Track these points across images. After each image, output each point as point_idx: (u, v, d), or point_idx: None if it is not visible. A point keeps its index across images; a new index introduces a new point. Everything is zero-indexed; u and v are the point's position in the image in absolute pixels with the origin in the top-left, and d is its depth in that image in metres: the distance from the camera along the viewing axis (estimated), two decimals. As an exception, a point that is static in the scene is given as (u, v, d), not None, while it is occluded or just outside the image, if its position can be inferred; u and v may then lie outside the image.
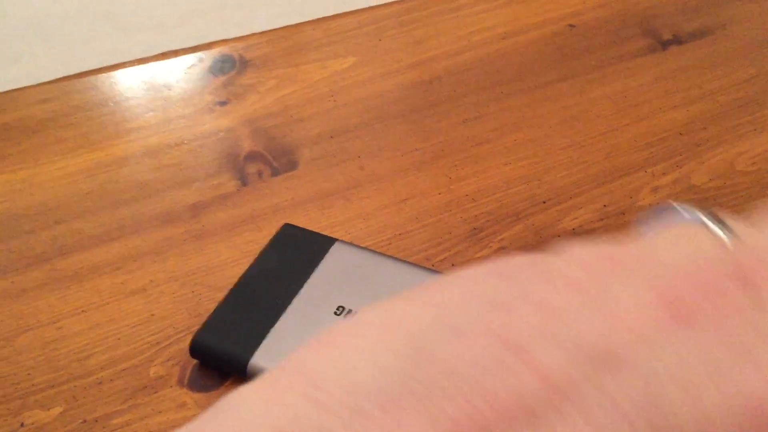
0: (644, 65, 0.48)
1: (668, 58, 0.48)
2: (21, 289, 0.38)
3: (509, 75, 0.48)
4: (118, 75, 0.51)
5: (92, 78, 0.51)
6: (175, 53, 0.52)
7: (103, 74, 0.51)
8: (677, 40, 0.49)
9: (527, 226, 0.39)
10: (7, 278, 0.39)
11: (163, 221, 0.41)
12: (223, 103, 0.48)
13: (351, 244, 0.37)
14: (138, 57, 0.52)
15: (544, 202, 0.40)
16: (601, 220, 0.39)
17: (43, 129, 0.47)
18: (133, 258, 0.39)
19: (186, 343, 0.34)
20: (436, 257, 0.38)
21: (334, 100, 0.48)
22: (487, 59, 0.49)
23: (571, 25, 0.51)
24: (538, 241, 0.38)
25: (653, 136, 0.43)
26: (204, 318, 0.35)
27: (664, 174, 0.41)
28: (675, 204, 0.18)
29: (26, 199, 0.43)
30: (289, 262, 0.36)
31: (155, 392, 0.33)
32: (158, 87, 0.50)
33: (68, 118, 0.48)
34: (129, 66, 0.52)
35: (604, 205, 0.40)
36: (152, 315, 0.36)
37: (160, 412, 0.33)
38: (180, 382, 0.34)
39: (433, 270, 0.36)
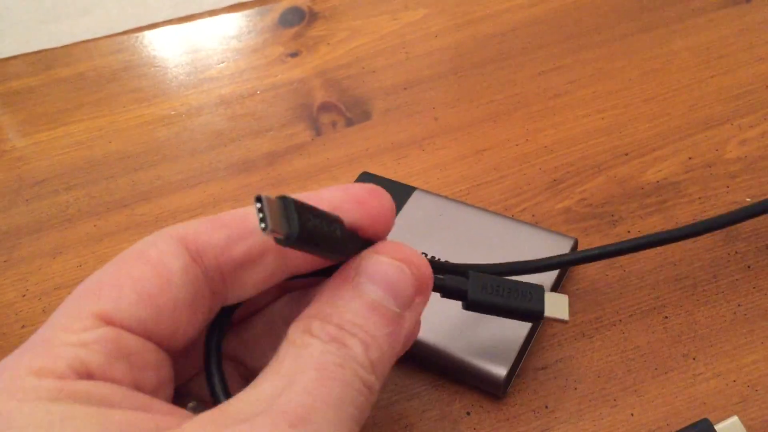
0: (727, 17, 0.46)
1: (752, 10, 0.46)
2: (103, 233, 0.39)
3: (585, 27, 0.47)
4: (189, 27, 0.51)
5: (163, 29, 0.51)
6: (245, 5, 0.52)
7: (174, 26, 0.51)
8: (762, -8, 0.47)
9: (609, 178, 0.38)
10: (90, 222, 0.39)
11: (239, 169, 0.41)
12: (294, 55, 0.48)
13: (431, 192, 0.37)
14: (208, 9, 0.52)
15: (626, 154, 0.39)
16: (687, 172, 0.38)
17: (118, 79, 0.48)
18: (211, 204, 0.39)
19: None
20: (516, 207, 0.37)
21: (406, 52, 0.47)
22: (562, 11, 0.48)
23: (650, -23, 0.49)
24: (621, 193, 0.37)
25: (739, 88, 0.42)
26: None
27: (751, 127, 0.40)
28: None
29: (104, 146, 0.43)
30: (369, 209, 0.36)
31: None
32: (229, 39, 0.50)
33: (141, 68, 0.48)
34: (199, 18, 0.52)
35: (689, 158, 0.39)
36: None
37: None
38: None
39: (515, 219, 0.35)
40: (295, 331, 0.20)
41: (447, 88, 0.44)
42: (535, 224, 0.36)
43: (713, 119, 0.40)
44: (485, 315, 0.31)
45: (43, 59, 0.50)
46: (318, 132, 0.43)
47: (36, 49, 0.50)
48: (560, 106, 0.42)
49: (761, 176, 0.37)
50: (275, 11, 0.51)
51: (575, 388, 0.31)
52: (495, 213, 0.36)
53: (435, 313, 0.31)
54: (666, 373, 0.31)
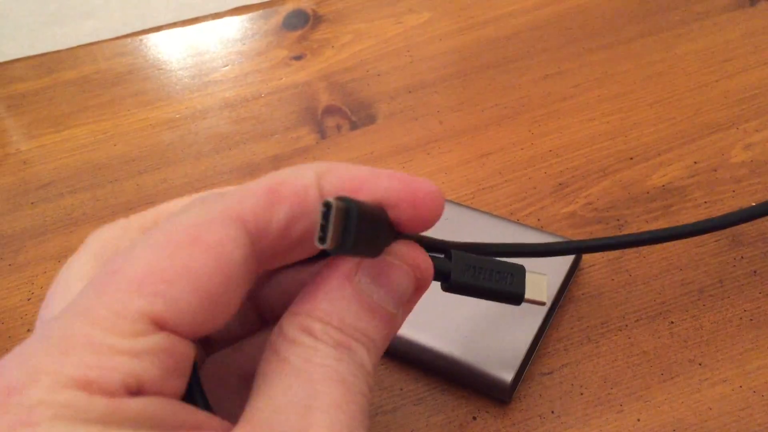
0: (732, 21, 0.46)
1: (757, 13, 0.46)
2: (108, 236, 0.39)
3: (590, 31, 0.47)
4: (193, 30, 0.51)
5: (167, 32, 0.51)
6: (249, 8, 0.52)
7: (178, 29, 0.51)
8: (766, -4, 0.47)
9: (615, 182, 0.38)
10: (95, 225, 0.39)
11: (244, 172, 0.41)
12: (298, 58, 0.48)
13: (436, 196, 0.37)
14: (212, 12, 0.52)
15: (632, 158, 0.39)
16: (692, 176, 0.38)
17: (122, 82, 0.48)
18: (216, 208, 0.39)
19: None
20: (522, 211, 0.37)
21: (411, 56, 0.47)
22: (566, 15, 0.48)
23: (654, -19, 0.49)
24: (626, 197, 0.37)
25: (744, 92, 0.42)
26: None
27: (756, 131, 0.40)
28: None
29: (109, 149, 0.43)
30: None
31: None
32: (233, 42, 0.50)
33: (145, 71, 0.48)
34: (203, 21, 0.52)
35: (695, 162, 0.39)
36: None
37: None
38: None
39: (520, 223, 0.35)
40: (291, 328, 0.18)
41: (451, 92, 0.44)
42: (540, 229, 0.36)
43: (718, 123, 0.40)
44: (490, 317, 0.31)
45: (47, 62, 0.50)
46: (323, 135, 0.43)
47: (40, 52, 0.51)
48: (565, 110, 0.42)
49: (767, 180, 0.37)
50: (279, 14, 0.51)
51: (581, 394, 0.31)
52: (500, 217, 0.36)
53: (440, 318, 0.31)
54: (672, 378, 0.31)
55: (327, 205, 0.17)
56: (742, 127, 0.40)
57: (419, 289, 0.21)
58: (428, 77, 0.46)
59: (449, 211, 0.36)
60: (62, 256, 0.38)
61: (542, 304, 0.27)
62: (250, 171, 0.41)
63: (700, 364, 0.31)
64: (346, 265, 0.19)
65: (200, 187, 0.40)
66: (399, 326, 0.21)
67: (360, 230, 0.17)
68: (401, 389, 0.32)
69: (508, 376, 0.30)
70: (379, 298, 0.19)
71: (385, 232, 0.20)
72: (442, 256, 0.24)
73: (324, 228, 0.17)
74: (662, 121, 0.41)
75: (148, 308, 0.16)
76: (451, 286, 0.24)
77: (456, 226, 0.35)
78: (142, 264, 0.16)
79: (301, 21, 0.51)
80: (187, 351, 0.17)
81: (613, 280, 0.34)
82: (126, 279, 0.16)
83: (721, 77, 0.43)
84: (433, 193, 0.20)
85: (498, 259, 0.25)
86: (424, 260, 0.21)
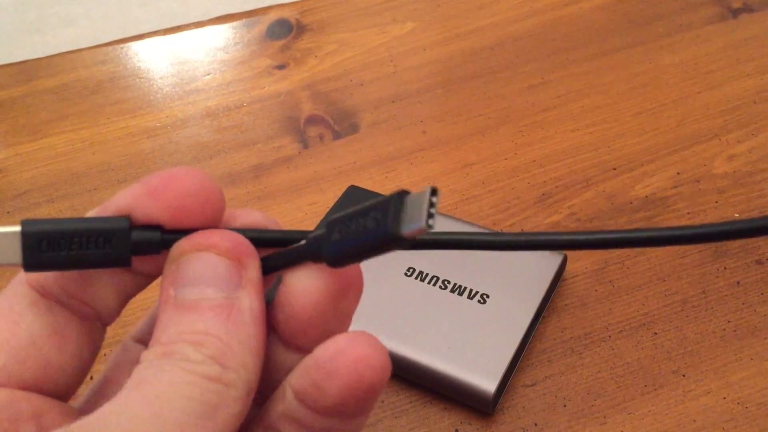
0: (714, 33, 0.46)
1: (739, 26, 0.47)
2: (85, 246, 0.38)
3: (574, 42, 0.47)
4: (175, 38, 0.51)
5: (149, 41, 0.51)
6: (232, 17, 0.52)
7: (160, 37, 0.51)
8: (748, 9, 0.48)
9: (598, 192, 0.38)
10: (71, 235, 0.39)
11: (225, 182, 0.41)
12: (281, 67, 0.48)
13: (419, 206, 0.36)
14: (195, 21, 0.52)
15: (615, 169, 0.39)
16: (675, 187, 0.38)
17: (102, 90, 0.47)
18: (196, 217, 0.39)
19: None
20: (505, 222, 0.37)
21: (395, 65, 0.47)
22: (550, 26, 0.48)
23: (637, -7, 0.50)
24: (610, 207, 0.37)
25: (726, 104, 0.42)
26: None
27: (739, 142, 0.40)
28: None
29: (88, 158, 0.43)
30: (356, 222, 0.35)
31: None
32: (215, 50, 0.49)
33: (126, 80, 0.48)
34: (186, 29, 0.51)
35: (678, 173, 0.38)
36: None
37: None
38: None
39: (503, 233, 0.35)
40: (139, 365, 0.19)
41: (435, 102, 0.44)
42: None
43: (701, 134, 0.40)
44: (473, 328, 0.31)
45: (26, 70, 0.49)
46: (305, 145, 0.43)
47: (19, 59, 0.50)
48: (549, 120, 0.42)
49: (749, 191, 0.37)
50: (263, 23, 0.51)
51: (564, 406, 0.30)
52: (483, 227, 0.35)
53: (422, 329, 0.31)
54: (656, 389, 0.30)
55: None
56: (724, 139, 0.40)
57: (241, 261, 0.19)
58: (412, 87, 0.45)
59: (432, 221, 0.35)
60: (38, 266, 0.37)
61: (424, 230, 0.17)
62: (232, 180, 0.41)
63: (683, 376, 0.31)
64: (164, 289, 0.19)
65: (180, 197, 0.40)
66: (252, 300, 0.19)
67: (37, 252, 0.19)
68: (382, 401, 0.31)
69: (490, 388, 0.29)
70: (194, 296, 0.18)
71: (102, 243, 0.19)
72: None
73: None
74: (645, 132, 0.41)
75: None
76: (328, 259, 0.19)
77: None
78: None
79: (284, 30, 0.50)
80: (29, 400, 0.19)
81: (596, 290, 0.34)
82: None
83: (703, 88, 0.43)
84: (171, 174, 0.19)
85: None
86: (216, 234, 0.19)
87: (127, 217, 0.19)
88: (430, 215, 0.17)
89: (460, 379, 0.30)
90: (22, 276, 0.20)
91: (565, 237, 0.20)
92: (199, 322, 0.18)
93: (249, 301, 0.19)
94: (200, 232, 0.19)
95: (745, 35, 0.46)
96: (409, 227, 0.17)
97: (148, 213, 0.19)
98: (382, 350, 0.18)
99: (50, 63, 0.49)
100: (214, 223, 0.20)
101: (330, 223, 0.19)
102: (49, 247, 0.19)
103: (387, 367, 0.18)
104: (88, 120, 0.45)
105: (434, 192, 0.17)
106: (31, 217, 0.19)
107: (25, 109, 0.46)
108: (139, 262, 0.20)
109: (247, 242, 0.19)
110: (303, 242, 0.19)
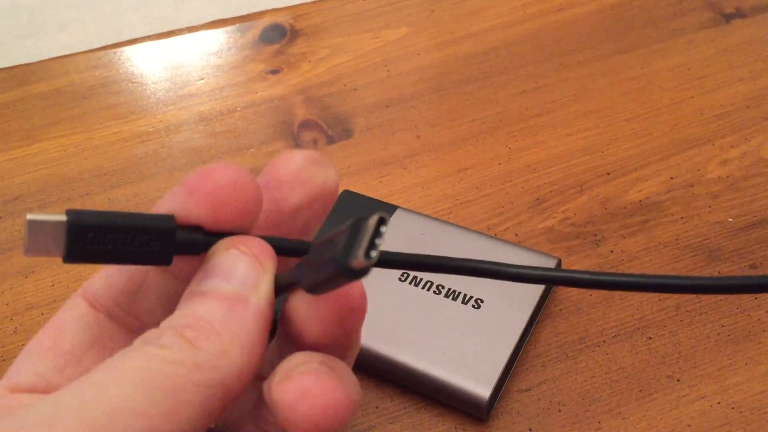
0: (707, 38, 0.46)
1: (732, 31, 0.47)
2: (78, 252, 0.38)
3: (567, 47, 0.47)
4: (168, 43, 0.51)
5: (142, 45, 0.51)
6: (225, 22, 0.52)
7: (153, 41, 0.51)
8: (740, 14, 0.48)
9: (592, 197, 0.38)
10: (64, 240, 0.38)
11: (218, 187, 0.40)
12: (275, 72, 0.48)
13: (413, 211, 0.36)
14: (188, 25, 0.52)
15: (608, 174, 0.39)
16: (669, 192, 0.38)
17: (95, 95, 0.47)
18: (189, 222, 0.39)
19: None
20: (499, 226, 0.37)
21: (388, 70, 0.47)
22: (543, 31, 0.48)
23: (630, -2, 0.50)
24: (604, 212, 0.37)
25: (719, 108, 0.42)
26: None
27: (732, 147, 0.40)
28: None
29: (80, 162, 0.43)
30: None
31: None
32: (208, 55, 0.49)
33: (119, 84, 0.48)
34: (179, 34, 0.51)
35: (671, 177, 0.39)
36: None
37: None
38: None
39: (498, 238, 0.35)
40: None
41: (429, 107, 0.44)
42: (518, 244, 0.35)
43: (694, 139, 0.40)
44: (467, 333, 0.31)
45: (19, 74, 0.49)
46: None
47: (12, 64, 0.50)
48: (542, 125, 0.42)
49: (742, 196, 0.37)
50: (256, 28, 0.51)
51: (559, 411, 0.30)
52: (478, 232, 0.35)
53: (417, 335, 0.31)
54: (650, 394, 0.30)
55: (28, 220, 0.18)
56: (717, 143, 0.40)
57: (262, 261, 0.19)
58: (405, 92, 0.45)
59: (426, 226, 0.35)
60: (29, 272, 0.37)
61: (365, 264, 0.16)
62: (225, 185, 0.41)
63: (678, 380, 0.31)
64: (186, 289, 0.20)
65: (173, 202, 0.40)
66: (258, 307, 0.19)
67: (80, 243, 0.18)
68: (377, 407, 0.31)
69: (485, 393, 0.29)
70: (210, 286, 0.19)
71: (144, 240, 0.19)
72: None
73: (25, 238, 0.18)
74: (639, 137, 0.41)
75: (6, 382, 0.20)
76: (305, 287, 0.19)
77: (433, 242, 0.34)
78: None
79: (278, 35, 0.50)
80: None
81: (590, 295, 0.34)
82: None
83: (696, 93, 0.43)
84: (206, 171, 0.19)
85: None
86: (248, 239, 0.20)
87: (172, 216, 0.19)
88: (373, 246, 0.16)
89: (454, 384, 0.30)
90: (82, 289, 0.21)
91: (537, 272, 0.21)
92: (201, 307, 0.18)
93: (257, 300, 0.19)
94: (234, 236, 0.20)
95: (737, 40, 0.46)
96: (355, 259, 0.16)
97: (187, 209, 0.19)
98: (347, 389, 0.18)
99: (43, 68, 0.49)
100: (252, 216, 0.20)
101: (313, 246, 0.19)
102: (93, 241, 0.19)
103: (352, 406, 0.18)
104: (80, 125, 0.45)
105: (382, 221, 0.16)
106: (73, 207, 0.20)
107: (17, 113, 0.46)
108: (177, 262, 0.20)
109: (271, 250, 0.20)
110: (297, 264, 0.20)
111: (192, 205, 0.19)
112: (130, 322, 0.21)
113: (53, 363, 0.20)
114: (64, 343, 0.20)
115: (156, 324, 0.20)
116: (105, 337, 0.21)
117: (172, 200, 0.19)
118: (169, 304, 0.21)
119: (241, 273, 0.19)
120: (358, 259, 0.16)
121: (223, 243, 0.20)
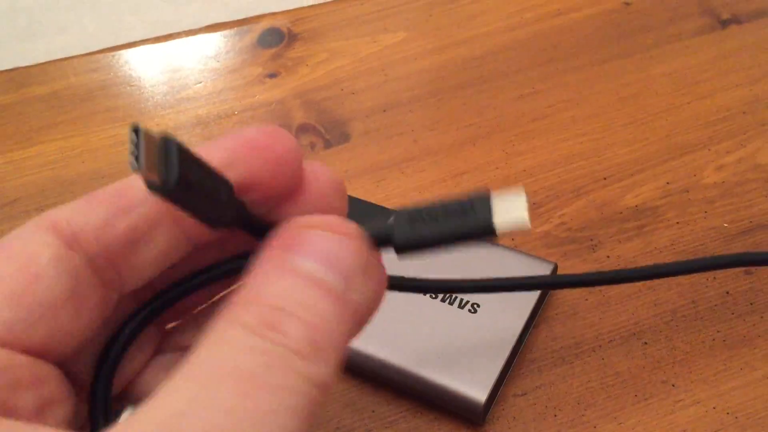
0: (703, 44, 0.47)
1: (728, 37, 0.47)
2: (75, 255, 0.38)
3: (564, 52, 0.47)
4: (166, 46, 0.51)
5: (140, 49, 0.51)
6: (223, 26, 0.52)
7: (151, 45, 0.51)
8: (736, 20, 0.48)
9: (589, 202, 0.38)
10: (61, 243, 0.38)
11: (216, 190, 0.41)
12: (272, 76, 0.48)
13: (410, 215, 0.36)
14: (186, 29, 0.52)
15: (605, 179, 0.39)
16: (665, 197, 0.38)
17: (93, 98, 0.47)
18: (187, 226, 0.39)
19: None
20: (496, 231, 0.37)
21: (386, 75, 0.47)
22: (541, 36, 0.48)
23: (627, 3, 0.50)
24: (600, 217, 0.37)
25: (716, 114, 0.42)
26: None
27: (728, 152, 0.40)
28: None
29: (78, 165, 0.43)
30: (347, 231, 0.35)
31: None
32: (206, 59, 0.49)
33: (117, 87, 0.48)
34: (177, 37, 0.51)
35: (667, 183, 0.39)
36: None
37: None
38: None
39: (494, 243, 0.35)
40: (214, 325, 0.16)
41: (426, 111, 0.44)
42: (514, 248, 0.35)
43: (690, 145, 0.41)
44: (463, 338, 0.31)
45: (17, 77, 0.49)
46: (296, 153, 0.42)
47: (10, 66, 0.50)
48: (539, 130, 0.42)
49: (738, 202, 0.38)
50: (254, 32, 0.51)
51: (555, 416, 0.30)
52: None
53: (412, 339, 0.31)
54: (646, 399, 0.31)
55: (135, 129, 0.15)
56: (713, 149, 0.40)
57: (365, 264, 0.18)
58: (403, 96, 0.45)
59: (423, 230, 0.35)
60: (27, 274, 0.37)
61: (527, 228, 0.19)
62: (222, 189, 0.41)
63: (673, 386, 0.31)
64: (271, 250, 0.17)
65: (171, 205, 0.40)
66: (356, 311, 0.18)
67: (186, 167, 0.16)
68: (373, 411, 0.31)
69: (481, 398, 0.29)
70: (314, 269, 0.17)
71: (230, 201, 0.18)
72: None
73: (136, 153, 0.15)
74: (635, 142, 0.41)
75: None
76: (400, 248, 0.20)
77: (429, 246, 0.35)
78: None
79: (276, 39, 0.50)
80: (31, 366, 0.17)
81: (586, 300, 0.34)
82: None
83: (693, 99, 0.43)
84: (273, 131, 0.18)
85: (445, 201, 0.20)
86: (355, 229, 0.18)
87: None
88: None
89: (450, 388, 0.30)
90: (45, 219, 0.18)
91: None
92: (313, 298, 0.16)
93: (357, 308, 0.18)
94: (340, 218, 0.18)
95: (734, 46, 0.46)
96: (509, 222, 0.19)
97: (248, 169, 0.17)
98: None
99: (41, 70, 0.49)
100: (294, 186, 0.19)
101: (398, 214, 0.19)
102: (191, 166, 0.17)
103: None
104: (78, 128, 0.45)
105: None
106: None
107: (15, 116, 0.46)
108: (227, 234, 0.18)
109: (378, 252, 0.19)
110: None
111: (256, 165, 0.17)
112: (109, 274, 0.18)
113: (26, 314, 0.17)
114: (40, 291, 0.17)
115: (138, 281, 0.18)
116: (83, 287, 0.18)
117: (229, 150, 0.17)
118: (162, 261, 0.19)
119: (346, 267, 0.17)
120: (521, 222, 0.19)
121: (320, 221, 0.17)
